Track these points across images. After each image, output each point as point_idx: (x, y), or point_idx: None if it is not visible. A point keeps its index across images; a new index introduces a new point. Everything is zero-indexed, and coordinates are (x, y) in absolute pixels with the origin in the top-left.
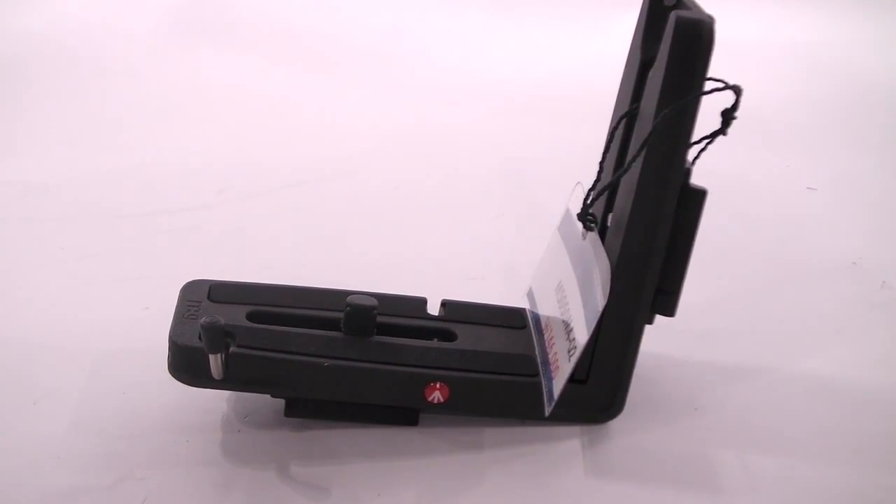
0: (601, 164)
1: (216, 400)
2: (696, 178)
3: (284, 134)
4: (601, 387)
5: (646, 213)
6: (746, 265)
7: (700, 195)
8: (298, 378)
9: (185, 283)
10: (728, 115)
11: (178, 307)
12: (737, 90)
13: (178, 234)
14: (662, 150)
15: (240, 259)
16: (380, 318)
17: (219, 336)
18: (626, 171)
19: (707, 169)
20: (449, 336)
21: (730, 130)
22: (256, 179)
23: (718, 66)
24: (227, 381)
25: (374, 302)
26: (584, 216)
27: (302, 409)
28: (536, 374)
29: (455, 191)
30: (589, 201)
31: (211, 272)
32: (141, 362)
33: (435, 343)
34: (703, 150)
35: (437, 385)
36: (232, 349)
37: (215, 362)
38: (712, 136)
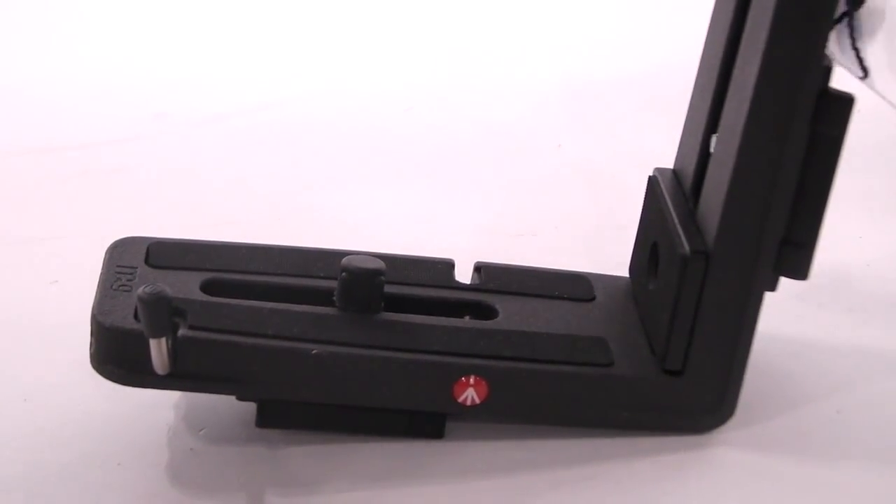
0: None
1: (160, 406)
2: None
3: (251, 34)
4: (704, 381)
5: (766, 130)
6: None
7: (845, 104)
8: (275, 372)
9: (112, 242)
10: None
11: (103, 276)
12: None
13: (99, 176)
14: (790, 32)
15: (188, 210)
16: (389, 288)
17: (164, 312)
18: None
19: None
20: (486, 312)
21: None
22: (210, 98)
23: None
24: (175, 378)
25: (381, 265)
26: None
27: (281, 417)
28: (611, 363)
29: (493, 112)
30: None
31: (148, 228)
32: (49, 356)
33: (467, 321)
34: (853, 37)
35: (471, 380)
36: (181, 332)
37: (159, 351)
38: (846, 15)
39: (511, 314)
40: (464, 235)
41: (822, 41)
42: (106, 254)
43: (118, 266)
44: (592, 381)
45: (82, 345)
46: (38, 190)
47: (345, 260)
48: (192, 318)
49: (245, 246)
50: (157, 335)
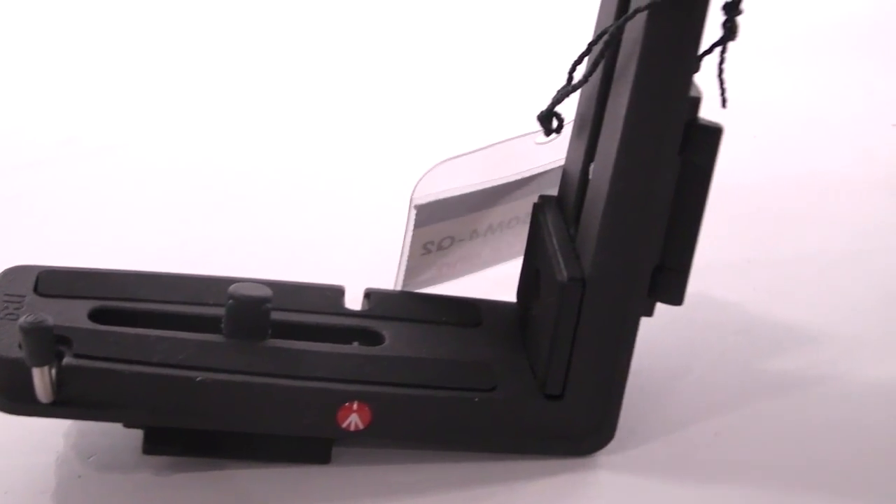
0: (570, 73)
1: (48, 433)
2: (731, 111)
3: (152, 61)
4: (583, 405)
5: (637, 161)
6: (797, 235)
7: (713, 135)
8: (161, 399)
9: (2, 271)
10: (731, 10)
11: None
12: None
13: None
14: (657, 68)
15: (80, 237)
16: (276, 315)
17: (46, 342)
18: (586, 79)
19: (751, 99)
20: (374, 338)
21: (741, 34)
22: (112, 124)
23: None
24: (60, 406)
25: (268, 292)
26: (547, 115)
27: (167, 444)
28: (493, 388)
29: (395, 127)
30: (546, 109)
31: (39, 256)
32: None
33: (353, 348)
34: (720, 69)
35: (355, 405)
36: (66, 360)
37: (42, 379)
38: (719, 44)
39: (397, 340)
40: (357, 260)
41: (689, 74)
42: None
43: (6, 295)
44: (475, 405)
45: None
46: None
47: (232, 287)
48: (77, 346)
49: (134, 274)
50: (39, 364)
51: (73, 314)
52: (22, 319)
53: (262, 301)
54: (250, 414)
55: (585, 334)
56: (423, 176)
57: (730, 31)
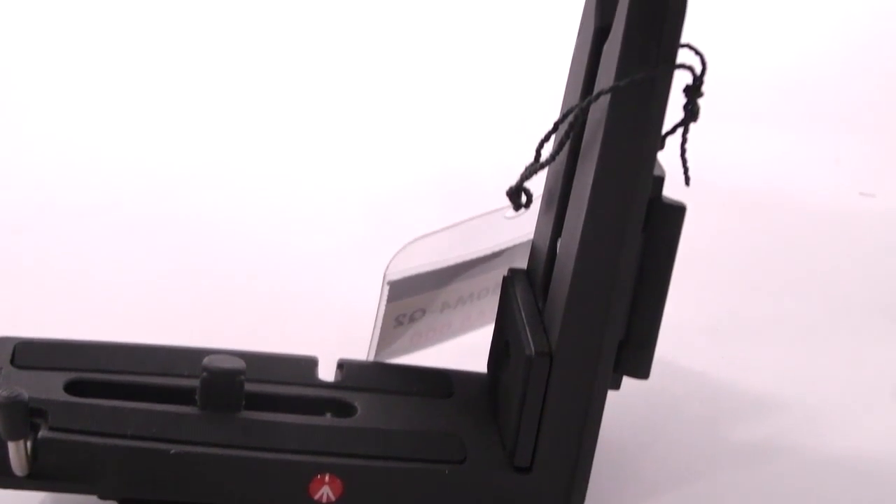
0: (538, 150)
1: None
2: (703, 179)
3: (132, 124)
4: (551, 477)
5: (601, 238)
6: (764, 303)
7: (676, 213)
8: (136, 471)
9: None
10: (692, 93)
11: None
12: (701, 59)
13: None
14: (620, 149)
15: (58, 307)
16: (250, 387)
17: (21, 416)
18: (553, 157)
19: (719, 164)
20: (346, 409)
21: (703, 114)
22: (90, 190)
23: (727, 11)
24: (35, 479)
25: (241, 365)
26: (516, 191)
27: None
28: (463, 460)
29: (370, 204)
30: (515, 185)
31: (19, 327)
32: None
33: (325, 419)
34: (683, 148)
35: (326, 477)
36: (42, 433)
37: (17, 452)
38: (681, 125)
39: (369, 411)
40: (331, 331)
41: (652, 154)
42: None
43: None
44: (444, 477)
45: None
46: None
47: (206, 359)
48: (52, 418)
49: (109, 345)
50: (14, 438)
51: (49, 386)
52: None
53: (235, 373)
54: (224, 486)
55: (553, 407)
56: (397, 253)
57: (691, 112)
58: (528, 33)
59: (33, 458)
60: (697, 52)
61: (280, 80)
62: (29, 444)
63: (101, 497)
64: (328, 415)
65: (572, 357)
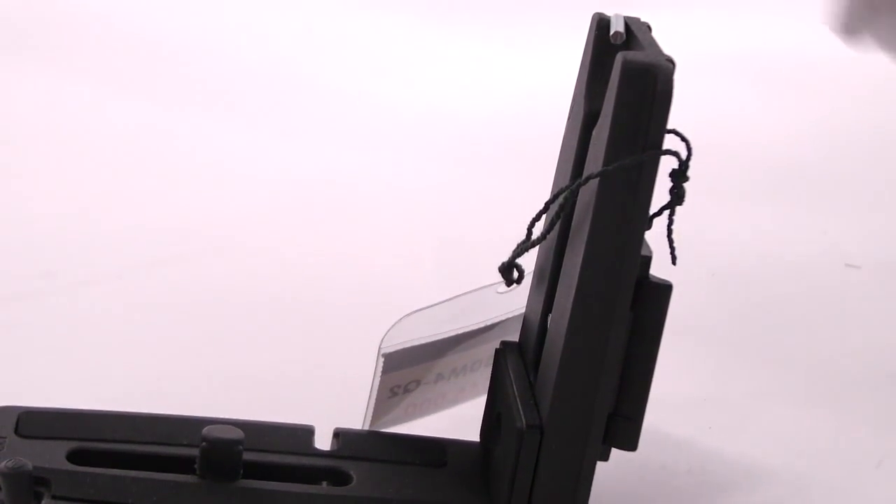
0: (529, 229)
1: None
2: (692, 253)
3: (132, 193)
4: None
5: (590, 316)
6: (750, 374)
7: (663, 292)
8: None
9: None
10: (678, 178)
11: None
12: (686, 145)
13: None
14: (608, 230)
15: (64, 374)
16: (248, 456)
17: (26, 486)
18: (544, 236)
19: (708, 239)
20: (342, 478)
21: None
22: (91, 259)
23: (716, 90)
24: None
25: (240, 434)
26: (508, 267)
27: None
28: None
29: (369, 274)
30: (507, 261)
31: (22, 395)
32: None
33: (322, 488)
34: (669, 229)
35: None
36: (45, 502)
37: None
38: (667, 208)
39: (365, 481)
40: (328, 400)
41: (639, 234)
42: None
43: None
44: None
45: None
46: None
47: (205, 430)
48: (56, 487)
49: (111, 414)
50: None
51: (52, 455)
52: (2, 464)
53: (234, 443)
54: None
55: (544, 478)
56: (392, 326)
57: (677, 196)
58: (520, 117)
59: None
60: (683, 139)
61: (271, 148)
62: None
63: None
64: (324, 483)
65: (562, 430)
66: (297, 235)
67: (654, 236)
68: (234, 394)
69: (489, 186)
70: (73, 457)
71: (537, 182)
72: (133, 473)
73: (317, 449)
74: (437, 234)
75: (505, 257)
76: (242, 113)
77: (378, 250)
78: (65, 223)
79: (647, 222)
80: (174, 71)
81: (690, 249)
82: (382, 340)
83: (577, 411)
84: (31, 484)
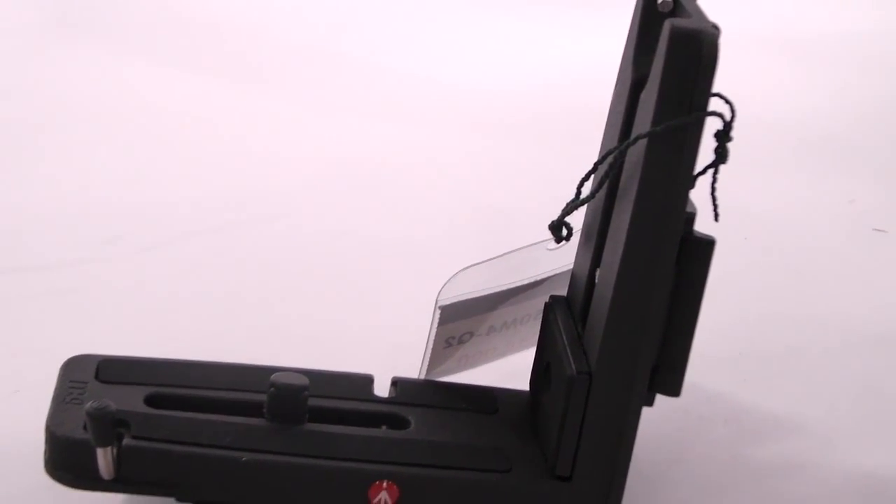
0: (578, 188)
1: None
2: (725, 219)
3: (192, 165)
4: (589, 486)
5: (637, 270)
6: (790, 330)
7: (706, 247)
8: (210, 477)
9: (66, 359)
10: (722, 138)
11: (57, 390)
12: (730, 108)
13: (55, 297)
14: (656, 189)
15: (135, 329)
16: (313, 402)
17: (109, 425)
18: (593, 195)
19: (739, 204)
20: (400, 423)
21: (733, 157)
22: (156, 225)
23: (753, 65)
24: (120, 482)
25: (305, 381)
26: (557, 225)
27: None
28: (508, 470)
29: (414, 239)
30: (557, 219)
31: (98, 346)
32: (8, 463)
33: (382, 431)
34: (713, 188)
35: (384, 484)
36: (126, 441)
37: (105, 458)
38: (711, 167)
39: (422, 425)
40: (385, 351)
41: (685, 193)
42: (60, 370)
43: (71, 381)
44: (492, 486)
45: (38, 452)
46: (0, 308)
47: (273, 376)
48: (135, 428)
49: (186, 363)
50: (102, 445)
51: (131, 399)
52: (88, 405)
53: (300, 389)
54: (290, 492)
55: (592, 422)
56: (448, 280)
57: (720, 155)
58: (569, 83)
59: (118, 464)
60: (727, 101)
61: (329, 112)
62: (114, 451)
63: (179, 500)
64: (384, 427)
65: (609, 376)
66: (346, 201)
67: (696, 195)
68: (298, 347)
69: (522, 156)
70: (150, 401)
71: (567, 152)
72: (206, 416)
73: (376, 396)
74: (472, 201)
75: (537, 220)
76: (292, 89)
77: (432, 210)
78: (128, 192)
79: (692, 181)
80: (226, 48)
81: (725, 215)
82: (439, 294)
83: (624, 359)
84: (113, 423)
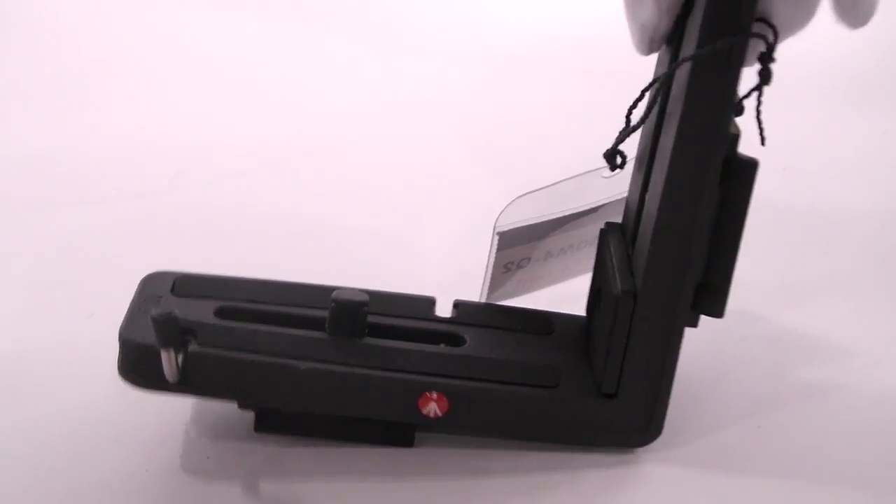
0: (628, 116)
1: (177, 420)
2: (766, 149)
3: (253, 103)
4: (634, 403)
5: (682, 190)
6: (826, 257)
7: (749, 168)
8: (268, 384)
9: (144, 275)
10: (766, 60)
11: (133, 302)
12: (773, 32)
13: (126, 227)
14: (700, 110)
15: (204, 255)
16: (374, 319)
17: (172, 329)
18: (642, 121)
19: (781, 139)
20: (457, 341)
21: (776, 81)
22: (220, 159)
23: None
24: (185, 386)
25: (365, 297)
26: (611, 153)
27: (275, 423)
28: (556, 386)
29: (472, 169)
30: (611, 147)
31: (178, 263)
32: (84, 380)
33: (439, 348)
34: (758, 110)
35: (434, 395)
36: (191, 348)
37: (168, 361)
38: (756, 89)
39: (478, 343)
40: (449, 275)
41: (728, 114)
42: (138, 285)
43: (147, 295)
44: (539, 400)
45: (109, 371)
46: (77, 238)
47: (335, 293)
48: (201, 336)
49: (256, 281)
50: (165, 347)
51: (201, 311)
52: (153, 311)
53: (361, 304)
54: (344, 399)
55: (637, 341)
56: (506, 207)
57: (764, 77)
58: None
59: (183, 369)
60: (770, 24)
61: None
62: (179, 355)
63: (241, 406)
64: (442, 345)
65: (654, 296)
66: (401, 136)
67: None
68: (362, 273)
69: (572, 92)
70: (219, 313)
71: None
72: (270, 328)
73: (437, 316)
74: (527, 135)
75: (592, 152)
76: (346, 33)
77: (477, 146)
78: (192, 131)
79: (738, 105)
80: None
81: (767, 147)
82: (497, 220)
83: (668, 279)
84: (177, 328)
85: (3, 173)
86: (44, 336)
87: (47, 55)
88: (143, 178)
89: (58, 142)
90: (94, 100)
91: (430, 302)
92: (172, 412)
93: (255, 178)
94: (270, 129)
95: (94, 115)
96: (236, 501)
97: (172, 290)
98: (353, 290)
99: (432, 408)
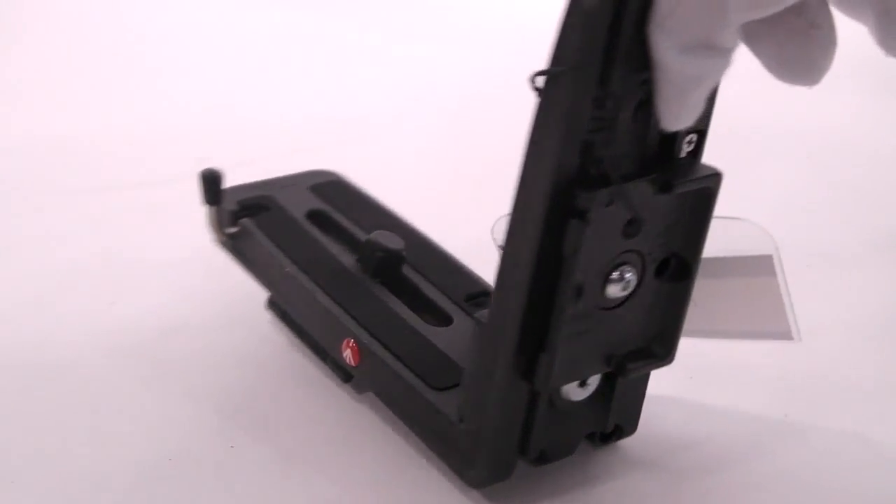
0: None
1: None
2: (793, 135)
3: (276, 90)
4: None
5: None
6: (856, 242)
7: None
8: (268, 274)
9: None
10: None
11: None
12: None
13: (151, 211)
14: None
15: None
16: (407, 271)
17: (214, 186)
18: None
19: (807, 125)
20: (446, 320)
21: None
22: (241, 146)
23: None
24: (225, 245)
25: (400, 245)
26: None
27: (277, 309)
28: (442, 390)
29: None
30: None
31: (193, 253)
32: (106, 370)
33: (410, 313)
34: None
35: (351, 343)
36: (243, 221)
37: (211, 218)
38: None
39: (454, 328)
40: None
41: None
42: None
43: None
44: (417, 396)
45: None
46: (99, 221)
47: (372, 233)
48: (260, 219)
49: (382, 209)
50: (208, 203)
51: (302, 208)
52: (203, 169)
53: (389, 251)
54: (303, 312)
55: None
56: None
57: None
58: None
59: (231, 236)
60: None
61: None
62: (219, 213)
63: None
64: (426, 316)
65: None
66: (420, 114)
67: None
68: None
69: None
70: (311, 215)
71: None
72: (313, 234)
73: (462, 294)
74: None
75: None
76: (370, 17)
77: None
78: (216, 115)
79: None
80: None
81: (791, 132)
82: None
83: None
84: (218, 186)
85: (26, 158)
86: (64, 324)
87: (73, 38)
88: (165, 163)
89: (80, 127)
90: (118, 86)
91: (476, 284)
92: (195, 401)
93: (274, 164)
94: (292, 116)
95: (117, 101)
96: None
97: (316, 187)
98: (394, 236)
99: (348, 354)
